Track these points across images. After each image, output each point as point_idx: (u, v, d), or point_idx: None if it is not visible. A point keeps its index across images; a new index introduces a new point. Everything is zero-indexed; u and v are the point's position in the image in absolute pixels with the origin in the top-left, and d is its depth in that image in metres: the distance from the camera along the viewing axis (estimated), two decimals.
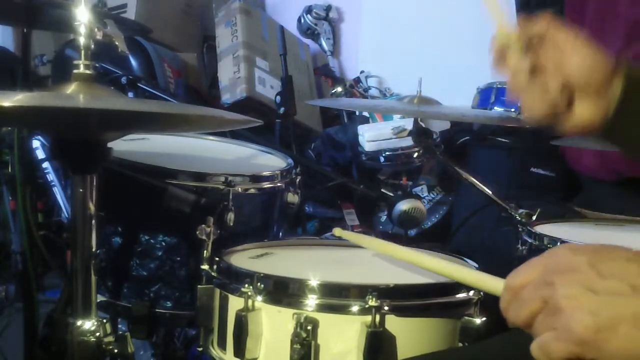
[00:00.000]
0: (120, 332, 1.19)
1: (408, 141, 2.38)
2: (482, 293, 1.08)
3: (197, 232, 1.25)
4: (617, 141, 0.92)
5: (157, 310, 1.37)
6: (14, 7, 1.61)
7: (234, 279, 1.13)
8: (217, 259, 1.20)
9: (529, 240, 1.41)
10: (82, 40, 1.05)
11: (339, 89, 3.11)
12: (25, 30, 1.66)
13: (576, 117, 0.88)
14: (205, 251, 1.23)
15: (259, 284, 1.07)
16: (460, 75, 2.97)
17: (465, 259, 1.26)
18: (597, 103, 0.87)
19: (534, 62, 0.87)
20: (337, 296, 1.05)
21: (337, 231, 1.38)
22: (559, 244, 1.29)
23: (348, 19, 3.47)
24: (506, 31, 0.90)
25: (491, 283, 0.81)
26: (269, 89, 2.90)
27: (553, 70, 0.87)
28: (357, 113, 2.89)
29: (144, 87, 2.09)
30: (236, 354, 1.08)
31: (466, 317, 1.06)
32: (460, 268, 1.01)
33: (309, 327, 1.02)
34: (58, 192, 2.16)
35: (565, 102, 0.87)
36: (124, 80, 2.05)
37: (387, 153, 2.48)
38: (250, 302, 1.06)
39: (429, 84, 1.74)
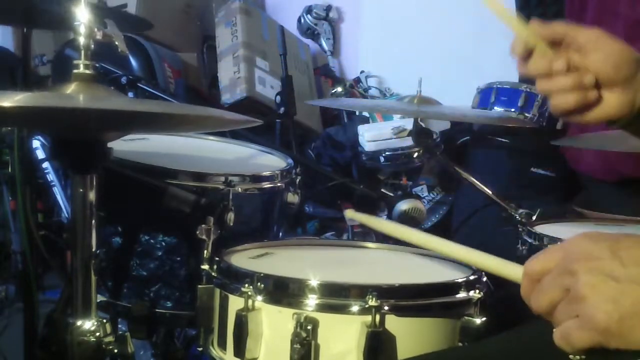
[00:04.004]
0: (120, 332, 1.19)
1: (408, 141, 2.37)
2: (482, 293, 1.08)
3: (197, 232, 1.25)
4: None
5: (157, 310, 1.37)
6: (14, 7, 1.61)
7: (234, 279, 1.13)
8: (217, 259, 1.20)
9: (529, 240, 1.41)
10: (82, 40, 1.05)
11: (339, 89, 3.11)
12: (25, 30, 1.66)
13: (604, 109, 0.92)
14: (205, 251, 1.23)
15: (259, 283, 1.07)
16: (460, 75, 2.97)
17: None
18: (624, 95, 0.91)
19: (566, 62, 0.91)
20: (337, 296, 1.05)
21: (349, 213, 1.35)
22: (558, 244, 1.29)
23: (348, 19, 3.46)
24: (527, 33, 0.93)
25: (510, 269, 0.81)
26: (269, 89, 2.90)
27: (583, 68, 0.91)
28: (357, 113, 2.89)
29: (144, 87, 2.09)
30: (236, 354, 1.08)
31: (466, 317, 1.06)
32: (478, 254, 1.01)
33: (309, 327, 1.02)
34: (58, 192, 2.16)
35: (595, 96, 0.92)
36: (124, 80, 2.05)
37: (387, 153, 2.48)
38: (250, 302, 1.06)
39: (429, 84, 1.74)
